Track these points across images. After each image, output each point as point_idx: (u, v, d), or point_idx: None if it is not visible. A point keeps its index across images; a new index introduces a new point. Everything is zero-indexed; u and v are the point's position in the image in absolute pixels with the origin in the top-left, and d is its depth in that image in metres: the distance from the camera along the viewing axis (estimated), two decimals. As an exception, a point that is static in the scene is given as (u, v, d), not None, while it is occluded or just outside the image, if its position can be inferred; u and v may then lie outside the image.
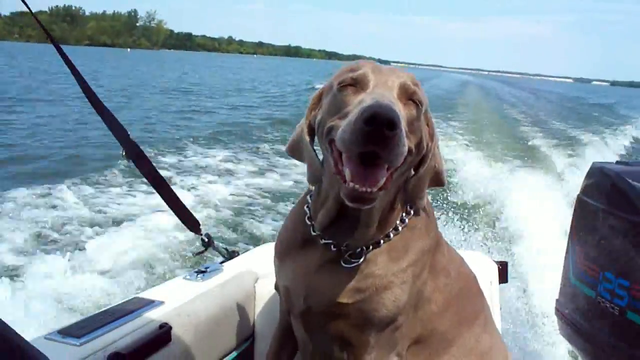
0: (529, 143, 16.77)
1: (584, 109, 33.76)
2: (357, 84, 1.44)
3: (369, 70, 1.46)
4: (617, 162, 3.01)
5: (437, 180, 1.64)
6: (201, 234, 2.37)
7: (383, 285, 1.58)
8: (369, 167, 1.31)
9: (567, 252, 2.99)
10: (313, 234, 1.63)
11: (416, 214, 1.66)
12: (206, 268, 2.21)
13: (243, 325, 2.18)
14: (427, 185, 1.62)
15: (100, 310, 1.79)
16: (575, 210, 2.94)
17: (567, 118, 25.59)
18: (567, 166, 12.05)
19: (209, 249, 2.39)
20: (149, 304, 1.85)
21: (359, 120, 1.24)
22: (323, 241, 1.60)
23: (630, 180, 2.50)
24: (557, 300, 3.03)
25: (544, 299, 4.65)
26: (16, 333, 0.98)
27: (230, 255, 2.46)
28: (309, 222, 1.65)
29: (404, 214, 1.63)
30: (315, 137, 1.60)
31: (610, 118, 27.23)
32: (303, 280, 1.65)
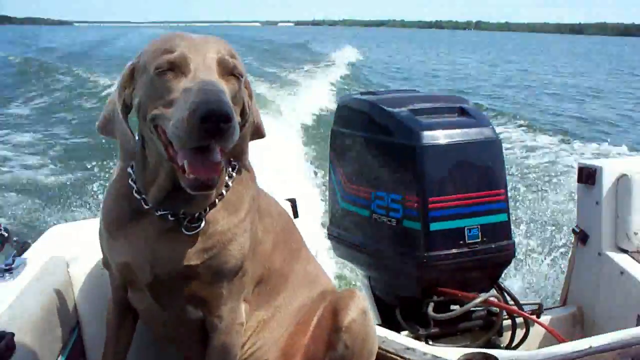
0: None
1: (283, 50, 35.78)
2: (176, 68, 1.43)
3: (185, 50, 1.44)
4: (362, 93, 3.33)
5: (258, 133, 1.73)
6: (0, 229, 2.11)
7: (228, 238, 1.65)
8: (205, 153, 1.36)
9: (330, 181, 3.25)
10: (146, 207, 1.62)
11: (241, 170, 1.73)
12: (9, 265, 2.00)
13: (67, 315, 2.05)
14: (249, 140, 1.69)
15: None
16: (331, 141, 3.19)
17: (270, 60, 26.86)
18: (288, 104, 12.77)
19: (5, 245, 2.13)
20: None
21: (193, 118, 1.27)
22: (159, 213, 1.60)
23: (385, 107, 2.80)
24: (328, 227, 3.29)
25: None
26: None
27: (23, 246, 2.22)
28: (138, 196, 1.63)
29: (230, 170, 1.69)
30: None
31: (308, 55, 29.34)
32: (145, 252, 1.63)
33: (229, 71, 1.48)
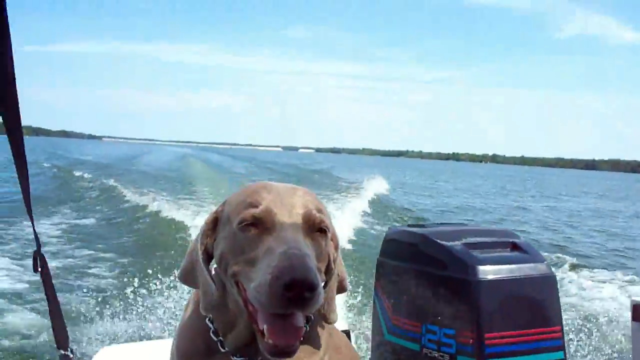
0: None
1: (307, 175, 36.34)
2: (260, 223, 1.40)
3: (270, 205, 1.42)
4: (410, 225, 3.36)
5: (340, 287, 1.68)
6: (68, 350, 2.11)
7: None
8: (286, 319, 1.32)
9: (374, 311, 3.20)
10: (222, 350, 1.58)
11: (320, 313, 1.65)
12: None
13: None
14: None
15: None
16: (377, 271, 3.18)
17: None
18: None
19: None
20: None
21: (276, 285, 1.22)
22: (235, 358, 1.57)
23: (437, 240, 2.82)
24: (371, 359, 3.21)
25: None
26: None
27: None
28: (215, 338, 1.59)
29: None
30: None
31: (331, 181, 29.70)
32: None
33: (315, 227, 1.44)
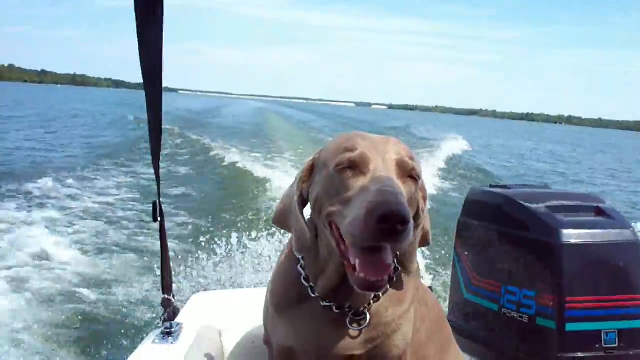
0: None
1: (385, 132, 35.57)
2: (356, 167, 1.46)
3: (365, 150, 1.48)
4: (493, 186, 3.36)
5: (424, 239, 1.72)
6: (170, 294, 2.26)
7: (392, 329, 1.68)
8: (377, 254, 1.37)
9: (454, 270, 3.24)
10: (312, 295, 1.65)
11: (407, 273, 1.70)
12: (169, 329, 2.13)
13: None
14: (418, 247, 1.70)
15: None
16: (458, 231, 3.20)
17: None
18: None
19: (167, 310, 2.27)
20: None
21: (370, 218, 1.26)
22: (324, 303, 1.63)
23: (521, 202, 2.82)
24: (448, 317, 3.26)
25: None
26: None
27: (174, 311, 2.36)
28: (305, 283, 1.66)
29: (395, 261, 1.67)
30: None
31: (410, 138, 29.24)
32: (310, 339, 1.67)
33: (407, 173, 1.49)
